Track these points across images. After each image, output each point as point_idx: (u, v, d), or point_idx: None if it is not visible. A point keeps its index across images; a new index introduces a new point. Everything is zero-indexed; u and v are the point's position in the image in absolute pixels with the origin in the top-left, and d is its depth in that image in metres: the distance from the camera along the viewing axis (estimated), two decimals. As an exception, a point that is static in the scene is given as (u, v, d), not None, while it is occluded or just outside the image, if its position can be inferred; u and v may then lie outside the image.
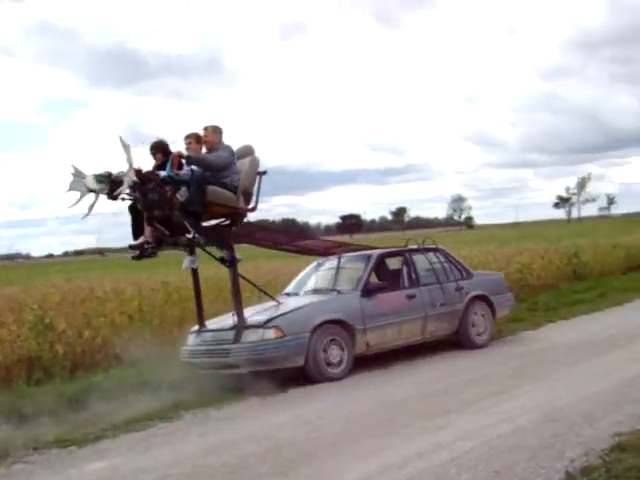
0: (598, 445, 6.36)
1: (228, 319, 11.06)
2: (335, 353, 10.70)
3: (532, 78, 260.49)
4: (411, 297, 12.06)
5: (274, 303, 11.38)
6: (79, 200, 9.95)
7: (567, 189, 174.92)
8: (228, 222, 10.92)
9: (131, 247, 10.49)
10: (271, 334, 10.31)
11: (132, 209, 10.38)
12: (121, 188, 9.75)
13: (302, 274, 13.20)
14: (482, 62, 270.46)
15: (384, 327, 11.50)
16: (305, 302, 11.38)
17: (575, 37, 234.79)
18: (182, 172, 10.23)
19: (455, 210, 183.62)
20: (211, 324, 11.37)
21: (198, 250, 10.87)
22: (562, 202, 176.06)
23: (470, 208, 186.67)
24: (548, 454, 6.29)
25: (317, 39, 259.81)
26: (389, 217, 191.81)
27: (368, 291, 11.56)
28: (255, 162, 10.98)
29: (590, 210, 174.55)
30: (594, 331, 13.39)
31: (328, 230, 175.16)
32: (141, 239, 10.22)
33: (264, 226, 11.96)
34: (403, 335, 11.88)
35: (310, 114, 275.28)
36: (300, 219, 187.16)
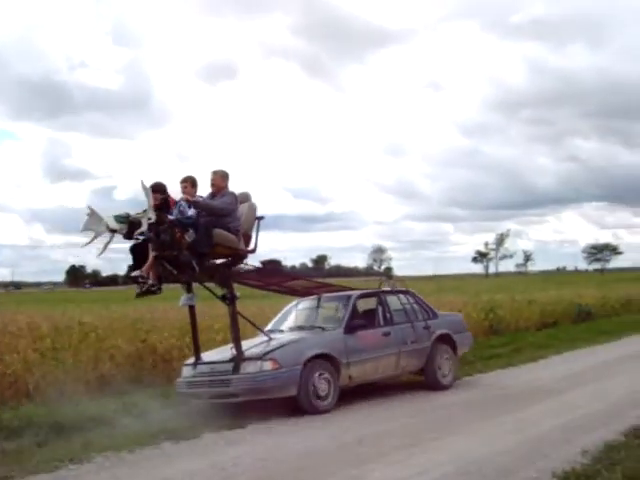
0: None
1: (224, 352, 11.89)
2: (323, 387, 11.42)
3: (454, 134, 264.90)
4: (386, 334, 12.94)
5: (264, 338, 12.15)
6: (93, 239, 10.67)
7: (486, 244, 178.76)
8: (229, 262, 11.77)
9: (129, 277, 11.19)
10: (269, 366, 11.05)
11: (133, 250, 11.14)
12: (141, 229, 10.50)
13: (283, 312, 14.04)
14: (406, 116, 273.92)
15: (364, 362, 12.33)
16: (296, 337, 12.15)
17: (497, 96, 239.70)
18: (188, 214, 10.92)
19: (375, 260, 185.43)
20: (207, 357, 12.12)
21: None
22: (480, 257, 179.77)
23: (390, 259, 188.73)
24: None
25: (246, 84, 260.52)
26: (309, 264, 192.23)
27: (350, 328, 12.38)
28: (253, 208, 11.93)
29: (507, 266, 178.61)
30: (509, 385, 13.59)
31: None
32: (137, 272, 10.71)
33: (258, 268, 13.15)
34: (380, 369, 12.77)
35: (235, 158, 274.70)
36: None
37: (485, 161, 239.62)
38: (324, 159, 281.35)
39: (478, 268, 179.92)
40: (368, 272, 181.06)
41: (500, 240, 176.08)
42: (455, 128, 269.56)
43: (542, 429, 9.50)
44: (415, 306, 13.91)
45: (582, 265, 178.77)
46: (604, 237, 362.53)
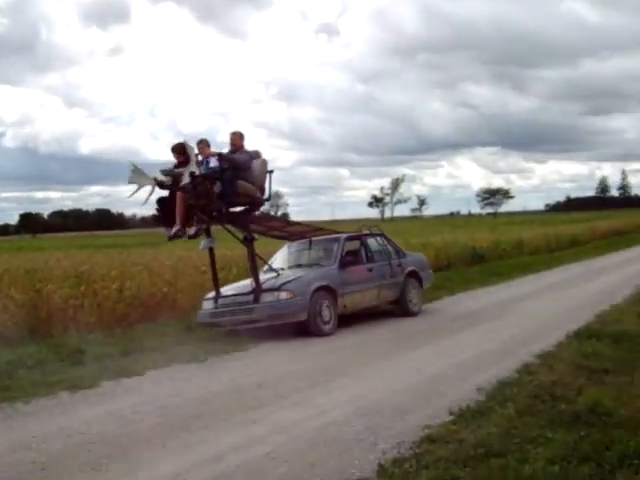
0: (409, 437, 6.58)
1: (238, 287, 14.18)
2: (326, 313, 13.41)
3: (350, 79, 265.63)
4: (370, 270, 15.17)
5: (272, 274, 14.09)
6: (137, 190, 12.65)
7: (381, 189, 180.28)
8: (248, 209, 13.64)
9: (170, 238, 12.98)
10: (284, 295, 13.09)
11: (160, 202, 13.08)
12: (183, 181, 12.26)
13: (279, 253, 15.96)
14: (300, 61, 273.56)
15: (354, 293, 14.40)
16: (302, 273, 14.12)
17: (393, 42, 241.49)
18: (211, 165, 12.90)
19: (272, 206, 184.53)
20: (226, 291, 14.01)
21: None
22: (376, 202, 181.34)
23: (287, 204, 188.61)
24: (361, 446, 6.44)
25: (137, 29, 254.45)
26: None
27: (343, 264, 14.51)
28: (265, 163, 13.77)
29: (403, 210, 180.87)
30: (406, 326, 13.98)
31: (144, 222, 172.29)
32: (175, 229, 12.70)
33: (265, 214, 15.14)
34: (366, 299, 14.94)
35: (130, 102, 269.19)
36: (115, 210, 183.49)
37: (381, 107, 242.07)
38: (218, 105, 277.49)
39: (374, 213, 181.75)
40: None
41: (395, 185, 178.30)
42: (351, 74, 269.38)
43: (438, 368, 9.75)
44: (389, 247, 16.23)
45: (475, 209, 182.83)
46: (496, 182, 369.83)
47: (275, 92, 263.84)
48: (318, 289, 13.44)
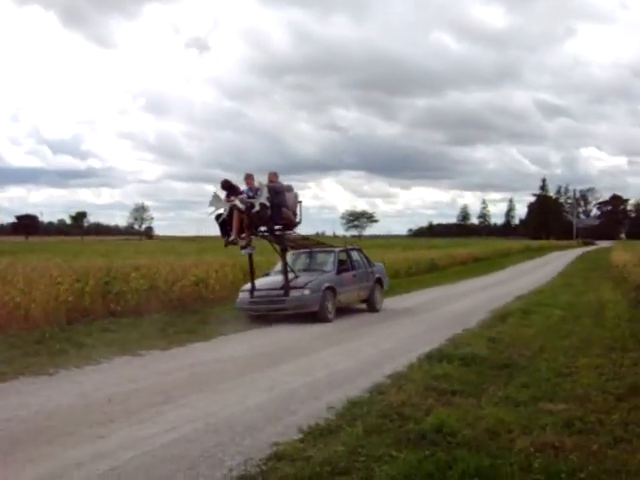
0: (257, 454, 6.58)
1: (266, 283, 18.68)
2: (330, 306, 18.21)
3: (219, 95, 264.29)
4: (354, 276, 20.01)
5: (292, 275, 18.42)
6: (214, 212, 17.71)
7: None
8: (284, 229, 18.41)
9: (227, 244, 17.97)
10: (307, 292, 17.81)
11: (219, 221, 17.78)
12: (255, 209, 17.02)
13: (288, 260, 18.97)
14: (169, 74, 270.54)
15: (345, 292, 19.22)
16: (314, 276, 18.65)
17: (261, 60, 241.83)
18: (266, 196, 17.26)
19: (137, 219, 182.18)
20: (261, 284, 18.55)
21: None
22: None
23: (152, 218, 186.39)
24: (208, 463, 6.41)
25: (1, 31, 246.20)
26: (68, 221, 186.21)
27: (339, 271, 19.37)
28: (296, 195, 18.95)
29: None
30: (263, 345, 13.88)
31: (2, 229, 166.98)
32: (231, 238, 17.54)
33: (294, 233, 19.21)
34: (351, 298, 19.88)
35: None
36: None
37: (249, 125, 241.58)
38: (84, 114, 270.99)
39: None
40: (129, 231, 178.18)
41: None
42: (220, 90, 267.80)
43: (292, 386, 9.79)
44: (364, 258, 21.32)
45: (340, 231, 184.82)
46: (361, 205, 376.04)
47: (143, 104, 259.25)
48: (326, 288, 18.17)
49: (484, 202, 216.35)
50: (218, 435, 7.34)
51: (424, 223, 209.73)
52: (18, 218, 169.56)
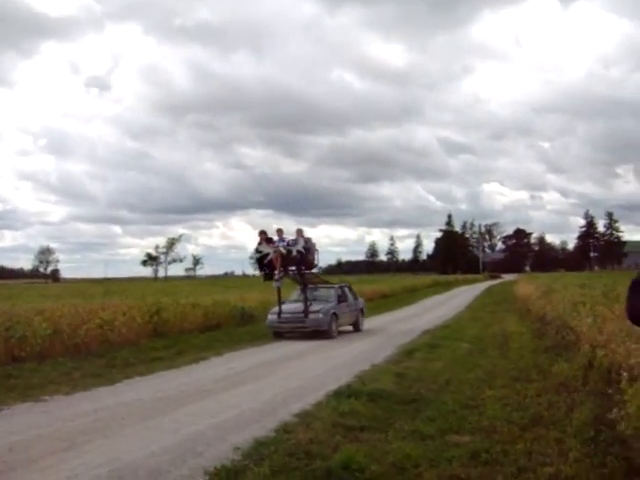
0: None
1: (295, 308, 24.07)
2: (334, 326, 23.95)
3: (121, 135, 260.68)
4: (348, 305, 26.06)
5: (308, 303, 23.83)
6: (261, 254, 23.46)
7: (156, 248, 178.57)
8: (305, 269, 24.43)
9: (265, 279, 23.79)
10: (320, 315, 23.53)
11: (258, 260, 23.92)
12: (293, 254, 23.03)
13: (295, 293, 25.79)
14: (71, 114, 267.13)
15: (342, 317, 24.97)
16: (322, 305, 24.20)
17: (163, 99, 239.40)
18: (301, 244, 23.55)
19: (42, 262, 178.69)
20: (285, 309, 23.95)
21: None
22: (150, 260, 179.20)
23: (57, 261, 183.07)
24: (110, 510, 6.23)
25: None
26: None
27: (339, 301, 25.12)
28: (313, 243, 24.64)
29: (177, 270, 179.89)
30: (168, 387, 13.58)
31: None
32: (276, 275, 23.09)
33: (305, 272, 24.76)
34: (345, 322, 25.50)
35: None
36: None
37: (154, 164, 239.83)
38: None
39: (148, 272, 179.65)
40: (34, 274, 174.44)
41: (170, 244, 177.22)
42: (122, 129, 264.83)
43: (198, 428, 9.67)
44: (352, 292, 27.54)
45: (249, 270, 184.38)
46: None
47: (44, 144, 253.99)
48: (332, 313, 24.04)
49: (392, 238, 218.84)
50: (121, 481, 7.18)
51: (333, 261, 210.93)
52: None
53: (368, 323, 28.41)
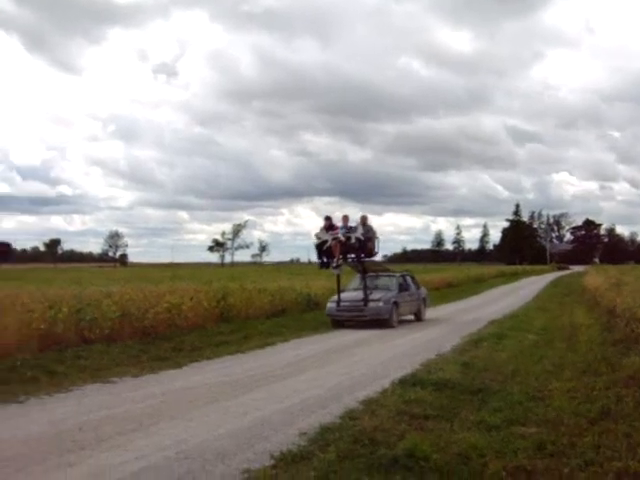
0: (228, 481, 6.52)
1: (354, 296, 24.00)
2: (395, 316, 23.71)
3: (189, 122, 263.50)
4: (410, 295, 25.90)
5: (368, 292, 23.69)
6: (319, 240, 23.40)
7: (223, 234, 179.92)
8: (365, 257, 24.12)
9: (322, 267, 24.13)
10: (381, 304, 23.40)
11: (317, 247, 23.67)
12: (352, 241, 22.90)
13: (355, 281, 25.78)
14: (139, 100, 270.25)
15: (403, 305, 24.77)
16: (383, 293, 24.07)
17: (229, 86, 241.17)
18: (361, 231, 23.26)
19: (111, 246, 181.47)
20: (344, 297, 23.95)
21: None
22: (217, 246, 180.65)
23: (126, 245, 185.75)
24: (179, 490, 6.33)
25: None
26: (42, 248, 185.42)
27: (400, 290, 25.04)
28: (375, 232, 24.23)
29: (243, 256, 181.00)
30: (235, 372, 13.73)
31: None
32: (333, 263, 23.19)
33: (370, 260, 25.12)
34: (406, 311, 25.34)
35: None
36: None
37: (220, 151, 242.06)
38: (53, 140, 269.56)
39: (214, 257, 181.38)
40: (102, 258, 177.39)
41: (237, 230, 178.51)
42: (189, 115, 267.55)
43: (264, 413, 9.75)
44: (414, 281, 27.37)
45: (314, 258, 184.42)
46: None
47: (112, 130, 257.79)
48: (393, 302, 23.76)
49: (458, 227, 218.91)
50: (189, 462, 7.29)
51: (398, 249, 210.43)
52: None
53: (433, 312, 28.31)
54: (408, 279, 26.80)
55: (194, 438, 8.36)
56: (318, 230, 23.87)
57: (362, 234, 23.11)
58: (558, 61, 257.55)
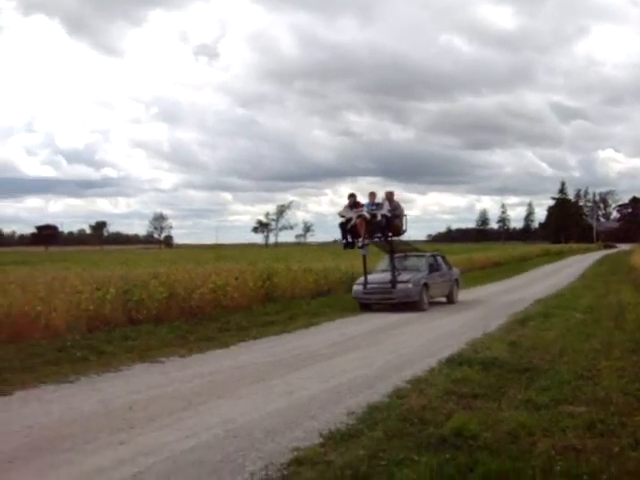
0: (278, 459, 6.59)
1: (381, 278, 23.09)
2: (425, 297, 22.64)
3: (231, 103, 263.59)
4: (441, 275, 24.75)
5: (396, 273, 22.72)
6: (343, 218, 22.17)
7: (267, 214, 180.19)
8: (392, 236, 22.78)
9: (346, 246, 22.65)
10: (410, 285, 22.25)
11: (342, 226, 22.33)
12: (377, 218, 21.55)
13: (383, 262, 24.74)
14: (181, 82, 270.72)
15: (434, 287, 23.73)
16: (412, 274, 22.91)
17: (271, 67, 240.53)
18: (388, 208, 21.98)
19: (156, 228, 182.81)
20: (371, 279, 22.98)
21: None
22: (261, 227, 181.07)
23: (171, 227, 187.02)
24: (230, 468, 6.41)
25: (7, 41, 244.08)
26: (88, 230, 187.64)
27: (430, 271, 23.93)
28: (403, 210, 22.94)
29: (288, 237, 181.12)
30: (281, 351, 13.83)
31: (23, 239, 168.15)
32: (359, 242, 22.04)
33: (398, 240, 23.80)
34: (437, 293, 24.33)
35: (6, 117, 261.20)
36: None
37: (262, 131, 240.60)
38: (96, 123, 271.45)
39: (259, 238, 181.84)
40: (148, 240, 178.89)
41: (280, 211, 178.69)
42: (231, 97, 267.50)
43: (311, 392, 9.80)
44: (446, 262, 26.26)
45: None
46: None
47: (155, 112, 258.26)
48: (423, 284, 22.65)
49: (503, 206, 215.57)
50: (238, 441, 7.35)
51: (442, 228, 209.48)
52: (38, 228, 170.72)
53: (480, 291, 28.25)
54: (439, 259, 25.83)
55: (242, 417, 8.43)
56: (342, 208, 22.63)
57: (389, 211, 21.78)
58: (603, 36, 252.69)
